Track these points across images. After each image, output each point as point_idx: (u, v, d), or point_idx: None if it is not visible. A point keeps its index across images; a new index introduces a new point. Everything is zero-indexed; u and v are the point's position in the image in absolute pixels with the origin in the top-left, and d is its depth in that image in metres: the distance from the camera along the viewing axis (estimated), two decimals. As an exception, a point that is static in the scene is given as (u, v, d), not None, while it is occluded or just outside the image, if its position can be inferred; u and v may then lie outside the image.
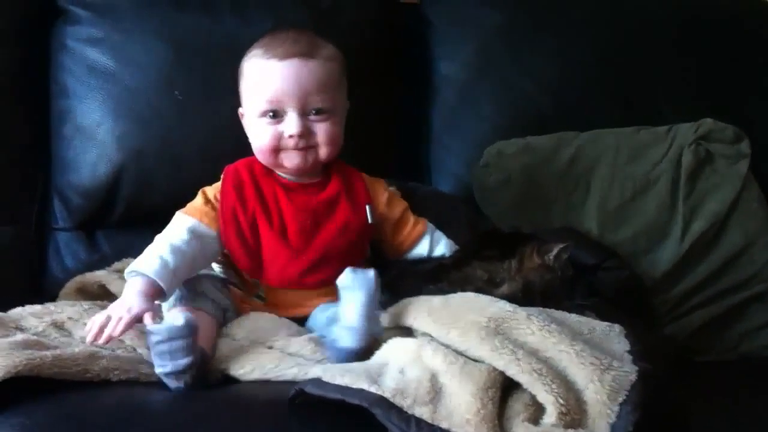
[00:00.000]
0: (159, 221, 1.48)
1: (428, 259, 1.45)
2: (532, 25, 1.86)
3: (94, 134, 1.66)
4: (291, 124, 1.35)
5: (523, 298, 1.28)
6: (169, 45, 1.67)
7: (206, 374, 1.15)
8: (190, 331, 1.11)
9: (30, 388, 1.08)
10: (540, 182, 1.68)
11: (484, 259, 1.37)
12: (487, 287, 1.30)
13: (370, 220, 1.41)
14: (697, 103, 1.82)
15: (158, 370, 1.12)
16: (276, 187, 1.39)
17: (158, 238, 1.32)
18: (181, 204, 1.46)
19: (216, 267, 1.42)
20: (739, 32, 1.93)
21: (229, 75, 1.60)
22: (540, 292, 1.31)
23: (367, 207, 1.41)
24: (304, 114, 1.35)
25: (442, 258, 1.44)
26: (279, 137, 1.36)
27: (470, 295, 1.20)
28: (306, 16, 1.75)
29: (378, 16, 1.84)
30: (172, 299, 1.28)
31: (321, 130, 1.36)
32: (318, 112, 1.36)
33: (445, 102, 1.83)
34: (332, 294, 1.25)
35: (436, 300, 1.19)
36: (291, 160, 1.37)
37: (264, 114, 1.36)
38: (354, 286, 1.15)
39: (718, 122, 1.68)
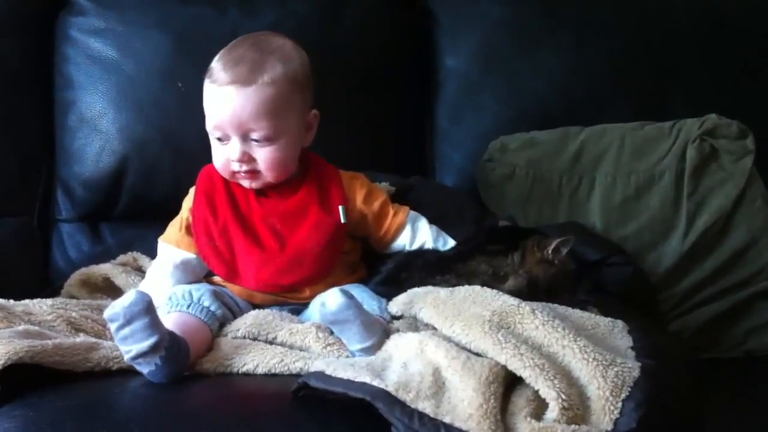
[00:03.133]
0: (163, 214, 1.48)
1: (427, 252, 1.44)
2: (537, 18, 1.85)
3: (97, 125, 1.66)
4: (233, 150, 1.35)
5: (528, 293, 1.28)
6: (172, 36, 1.67)
7: (183, 362, 1.13)
8: (146, 306, 1.08)
9: (32, 381, 1.08)
10: (544, 177, 1.67)
11: (487, 254, 1.37)
12: (492, 281, 1.30)
13: (342, 220, 1.40)
14: (710, 101, 1.80)
15: (126, 358, 1.09)
16: (248, 191, 1.41)
17: (148, 274, 1.43)
18: (185, 195, 1.47)
19: None
20: (752, 30, 1.92)
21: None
22: (545, 287, 1.31)
23: (340, 208, 1.41)
24: (245, 140, 1.35)
25: (442, 251, 1.44)
26: (228, 160, 1.37)
27: (476, 289, 1.20)
28: (310, 9, 1.75)
29: (383, 9, 1.83)
30: (167, 306, 1.28)
31: (261, 156, 1.36)
32: (258, 138, 1.35)
33: (450, 96, 1.83)
34: (310, 291, 1.36)
35: (443, 292, 1.19)
36: (242, 181, 1.39)
37: (211, 134, 1.38)
38: (341, 319, 1.15)
39: (723, 118, 1.66)
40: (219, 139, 1.37)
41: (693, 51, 1.88)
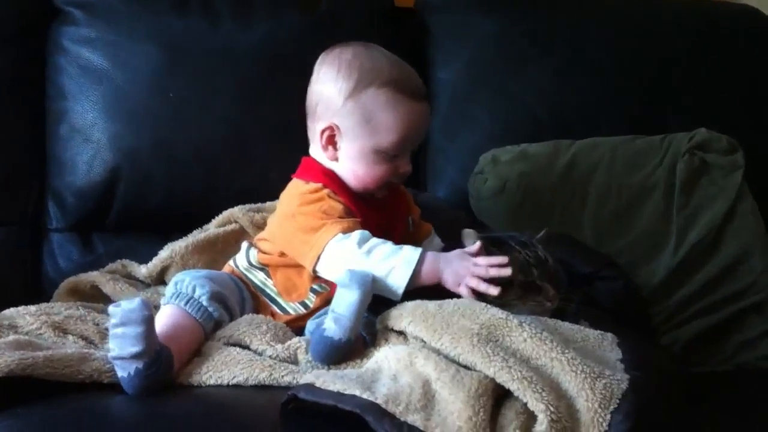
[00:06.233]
0: (154, 224, 1.48)
1: None
2: (529, 33, 1.86)
3: (88, 135, 1.65)
4: (407, 163, 1.36)
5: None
6: (164, 47, 1.67)
7: (157, 380, 1.12)
8: (142, 317, 1.09)
9: (22, 391, 1.08)
10: (535, 190, 1.67)
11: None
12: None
13: (411, 229, 1.44)
14: (701, 116, 1.81)
15: (110, 354, 1.11)
16: (359, 201, 1.36)
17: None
18: (177, 206, 1.46)
19: (258, 277, 1.38)
20: (744, 44, 1.94)
21: (226, 78, 1.59)
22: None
23: (410, 219, 1.44)
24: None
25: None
26: (392, 173, 1.35)
27: (465, 302, 1.20)
28: (303, 22, 1.75)
29: (374, 22, 1.84)
30: (169, 292, 1.28)
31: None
32: (413, 150, 1.37)
33: (442, 109, 1.82)
34: None
35: (431, 305, 1.19)
36: (383, 192, 1.38)
37: (386, 150, 1.32)
38: (352, 285, 1.16)
39: (713, 132, 1.68)
40: (394, 155, 1.33)
41: (684, 65, 1.89)
